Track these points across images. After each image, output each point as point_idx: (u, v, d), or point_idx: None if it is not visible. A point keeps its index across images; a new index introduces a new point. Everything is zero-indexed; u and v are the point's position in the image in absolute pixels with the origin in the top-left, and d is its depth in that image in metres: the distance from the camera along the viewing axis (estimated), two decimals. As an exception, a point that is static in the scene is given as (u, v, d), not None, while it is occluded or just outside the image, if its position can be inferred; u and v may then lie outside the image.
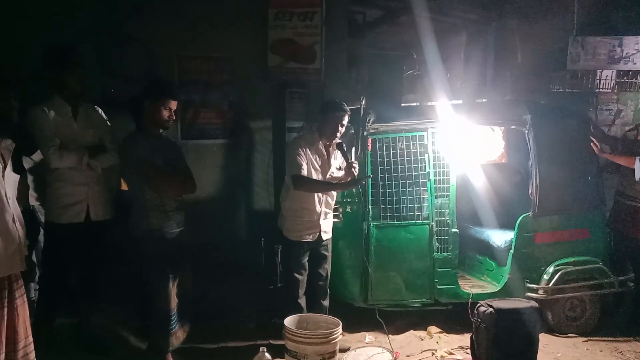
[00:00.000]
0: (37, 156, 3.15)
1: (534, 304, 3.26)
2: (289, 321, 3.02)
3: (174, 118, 3.05)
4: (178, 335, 3.14)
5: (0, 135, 2.40)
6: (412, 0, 4.82)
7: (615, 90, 5.67)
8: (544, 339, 3.45)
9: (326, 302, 3.48)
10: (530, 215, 3.73)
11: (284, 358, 2.96)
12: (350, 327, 3.58)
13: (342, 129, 3.29)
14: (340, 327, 2.97)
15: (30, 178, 3.21)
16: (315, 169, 3.31)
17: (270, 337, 3.36)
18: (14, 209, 2.44)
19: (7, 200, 2.40)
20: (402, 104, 4.85)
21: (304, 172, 3.26)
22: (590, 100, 5.71)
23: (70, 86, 3.08)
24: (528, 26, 5.56)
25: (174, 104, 2.99)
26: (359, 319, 3.65)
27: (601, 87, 5.71)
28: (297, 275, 3.34)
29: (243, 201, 4.64)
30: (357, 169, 3.32)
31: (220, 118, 4.60)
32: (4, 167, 2.42)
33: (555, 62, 5.72)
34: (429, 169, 3.73)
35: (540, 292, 3.66)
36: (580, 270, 3.71)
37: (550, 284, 3.66)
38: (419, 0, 4.82)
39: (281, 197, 3.46)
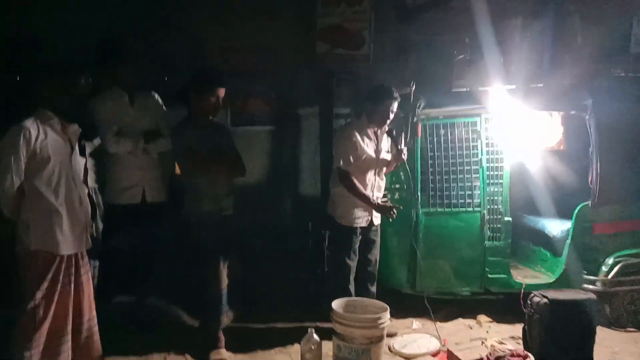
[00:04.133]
0: (97, 141, 3.31)
1: (591, 295, 3.14)
2: (336, 305, 3.05)
3: (222, 106, 3.11)
4: (228, 315, 3.25)
5: (69, 121, 2.55)
6: (465, -19, 4.68)
7: (685, 75, 5.29)
8: (601, 332, 3.30)
9: (374, 288, 3.49)
10: (589, 205, 3.58)
11: (331, 340, 2.99)
12: (398, 313, 3.56)
13: (392, 116, 3.26)
14: (388, 312, 2.97)
15: (91, 162, 3.38)
16: (368, 154, 3.31)
17: (317, 320, 3.40)
18: (80, 190, 2.59)
19: (74, 182, 2.54)
20: (453, 90, 4.73)
21: (351, 168, 3.26)
22: (656, 85, 5.36)
23: (124, 79, 3.22)
24: (589, 7, 5.26)
25: (221, 92, 3.04)
26: (407, 306, 3.64)
27: (669, 71, 5.36)
28: (348, 260, 3.36)
29: (291, 187, 4.69)
30: (406, 155, 3.30)
31: (268, 105, 4.66)
32: (72, 151, 2.57)
33: (618, 46, 5.41)
34: (482, 155, 3.64)
35: (598, 284, 3.52)
36: (642, 262, 3.53)
37: (609, 276, 3.51)
38: (471, -18, 4.66)
39: (331, 183, 3.47)
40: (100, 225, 3.36)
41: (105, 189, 3.33)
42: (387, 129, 3.33)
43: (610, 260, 3.55)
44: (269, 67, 4.56)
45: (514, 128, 3.69)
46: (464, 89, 4.45)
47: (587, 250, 3.59)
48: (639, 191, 3.62)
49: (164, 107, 3.41)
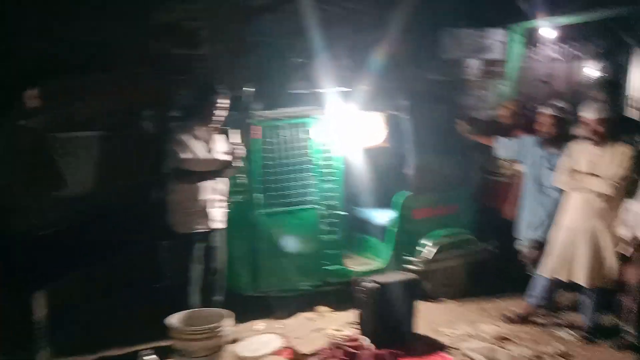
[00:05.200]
0: None
1: (413, 275, 3.54)
2: (175, 319, 2.94)
3: (41, 106, 2.79)
4: (49, 349, 2.90)
5: None
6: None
7: (480, 78, 6.27)
8: (422, 306, 3.72)
9: (220, 297, 3.41)
10: (409, 194, 4.01)
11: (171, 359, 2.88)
12: (243, 317, 3.56)
13: (221, 112, 3.26)
14: (228, 319, 2.96)
15: None
16: (198, 156, 3.25)
17: (158, 339, 3.18)
18: None
19: None
20: (291, 91, 4.90)
21: (185, 163, 3.18)
22: (459, 87, 6.25)
23: None
24: (408, 17, 5.89)
25: (37, 92, 2.74)
26: (251, 308, 3.65)
27: (469, 74, 6.29)
28: (190, 270, 3.26)
29: (127, 198, 4.37)
30: (240, 152, 3.31)
31: (100, 107, 4.28)
32: None
33: (431, 53, 6.18)
34: (316, 154, 3.82)
35: (419, 264, 3.96)
36: (452, 242, 4.08)
37: (428, 256, 3.98)
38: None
39: (167, 191, 3.33)
40: None
41: None
42: (219, 126, 3.32)
43: (427, 242, 4.03)
44: (102, 64, 4.17)
45: (345, 128, 3.94)
46: (302, 91, 4.64)
47: (409, 235, 4.02)
48: (447, 179, 4.16)
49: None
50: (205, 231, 3.31)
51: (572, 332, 3.50)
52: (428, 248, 4.01)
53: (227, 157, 3.35)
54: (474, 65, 6.15)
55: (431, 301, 4.01)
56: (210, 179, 3.29)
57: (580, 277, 3.32)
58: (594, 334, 3.42)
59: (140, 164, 4.26)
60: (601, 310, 3.48)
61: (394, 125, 4.39)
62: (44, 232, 2.81)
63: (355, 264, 4.03)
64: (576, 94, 5.85)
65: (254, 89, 3.72)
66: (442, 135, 4.17)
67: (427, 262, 3.98)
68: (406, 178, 4.10)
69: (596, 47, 6.12)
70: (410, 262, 3.98)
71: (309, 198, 3.79)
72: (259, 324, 3.62)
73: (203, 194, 3.27)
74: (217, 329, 2.85)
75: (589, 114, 3.30)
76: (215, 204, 3.33)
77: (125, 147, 4.32)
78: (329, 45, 5.03)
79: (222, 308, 3.22)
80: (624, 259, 3.22)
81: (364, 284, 3.40)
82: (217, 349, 2.86)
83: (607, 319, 3.51)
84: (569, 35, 6.06)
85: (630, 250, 3.14)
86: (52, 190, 2.87)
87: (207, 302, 3.32)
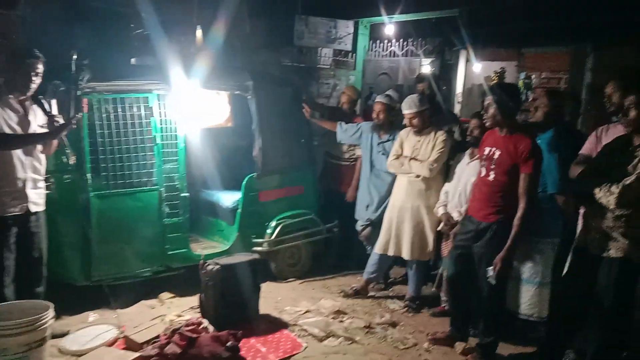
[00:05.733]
0: None
1: (256, 256, 3.58)
2: (-19, 315, 2.56)
3: None
4: None
5: None
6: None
7: (332, 67, 6.55)
8: (268, 287, 3.80)
9: (41, 289, 3.04)
10: (255, 176, 4.01)
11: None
12: (73, 308, 3.28)
13: (36, 80, 2.88)
14: (50, 310, 2.66)
15: None
16: (12, 129, 2.83)
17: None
18: None
19: None
20: (131, 64, 4.52)
21: None
22: (313, 74, 6.46)
23: None
24: (259, 3, 5.83)
25: None
26: (83, 299, 3.36)
27: (322, 63, 6.53)
28: (3, 259, 2.83)
29: None
30: (60, 126, 2.96)
31: None
32: None
33: (285, 38, 6.24)
34: (156, 132, 3.59)
35: (265, 245, 4.01)
36: (297, 222, 4.19)
37: (273, 237, 4.05)
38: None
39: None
40: None
41: None
42: (33, 95, 2.93)
43: (273, 223, 4.09)
44: None
45: (187, 105, 3.77)
46: (141, 64, 4.32)
47: (255, 217, 4.03)
48: (293, 161, 4.26)
49: None
50: (20, 215, 2.90)
51: (400, 303, 3.87)
52: (272, 229, 4.07)
53: (44, 130, 2.97)
54: (327, 54, 6.40)
55: (279, 281, 4.11)
56: (25, 154, 2.88)
57: (404, 252, 3.70)
58: (418, 303, 3.82)
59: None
60: (424, 282, 3.92)
61: (242, 107, 4.34)
62: None
63: (202, 248, 3.92)
64: (410, 86, 6.45)
65: (84, 58, 3.34)
66: (286, 118, 4.24)
67: (273, 243, 4.05)
68: (253, 159, 4.09)
69: (429, 45, 6.80)
70: (257, 244, 4.00)
71: (149, 179, 3.55)
72: (92, 315, 3.32)
73: (18, 171, 2.86)
74: (35, 323, 2.55)
75: (405, 109, 3.65)
76: (33, 183, 2.94)
77: None
78: (175, 19, 4.77)
79: (46, 300, 2.88)
80: (443, 235, 3.64)
81: (207, 266, 3.33)
82: (36, 345, 2.55)
83: (429, 290, 3.95)
84: (406, 32, 6.64)
85: (444, 226, 3.55)
86: None
87: (27, 294, 2.93)
